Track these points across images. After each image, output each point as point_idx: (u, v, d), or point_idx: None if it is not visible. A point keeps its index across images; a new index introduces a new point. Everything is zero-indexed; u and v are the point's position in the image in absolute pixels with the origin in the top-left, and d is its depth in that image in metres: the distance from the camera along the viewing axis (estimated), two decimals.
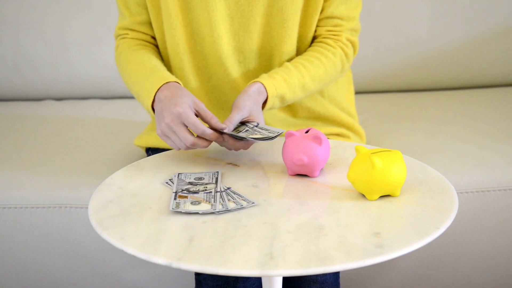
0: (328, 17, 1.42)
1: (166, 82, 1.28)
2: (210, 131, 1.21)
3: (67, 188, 1.57)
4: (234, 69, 1.41)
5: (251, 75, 1.42)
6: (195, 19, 1.38)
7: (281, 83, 1.34)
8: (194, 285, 1.46)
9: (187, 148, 1.23)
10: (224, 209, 1.08)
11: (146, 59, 1.37)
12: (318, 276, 1.31)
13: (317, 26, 1.43)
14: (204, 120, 1.24)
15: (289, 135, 1.19)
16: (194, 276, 1.39)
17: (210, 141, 1.23)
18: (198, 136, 1.22)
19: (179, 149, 1.24)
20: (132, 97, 2.09)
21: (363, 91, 2.08)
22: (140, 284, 1.64)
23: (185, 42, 1.40)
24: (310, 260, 0.94)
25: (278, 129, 1.24)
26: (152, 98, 1.27)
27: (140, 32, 1.44)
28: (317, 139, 1.17)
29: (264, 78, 1.33)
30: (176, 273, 1.62)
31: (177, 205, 1.09)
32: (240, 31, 1.39)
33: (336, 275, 1.33)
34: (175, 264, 0.95)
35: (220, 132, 1.23)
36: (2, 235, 1.59)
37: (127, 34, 1.44)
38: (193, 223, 1.04)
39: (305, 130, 1.20)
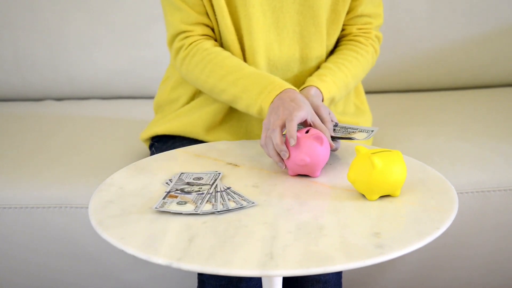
0: (358, 16, 1.45)
1: (287, 88, 1.28)
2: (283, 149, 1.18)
3: (67, 188, 1.57)
4: (262, 68, 1.41)
5: (278, 75, 1.42)
6: (235, 11, 1.39)
7: (332, 85, 1.37)
8: (196, 285, 1.47)
9: (276, 152, 1.20)
10: (225, 208, 1.08)
11: (241, 63, 1.36)
12: (321, 275, 1.31)
13: (347, 25, 1.47)
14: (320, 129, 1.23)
15: None
16: (196, 275, 1.39)
17: (282, 162, 1.20)
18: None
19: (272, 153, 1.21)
20: (132, 97, 2.09)
21: None
22: (140, 284, 1.64)
23: (231, 33, 1.40)
24: (310, 260, 0.94)
25: (368, 127, 1.27)
26: (271, 99, 1.27)
27: (204, 25, 1.41)
28: (319, 139, 1.17)
29: (316, 82, 1.35)
30: (176, 273, 1.62)
31: (163, 204, 1.09)
32: (271, 27, 1.40)
33: (338, 274, 1.33)
34: (175, 264, 0.95)
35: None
36: (2, 235, 1.59)
37: (192, 31, 1.41)
38: (193, 223, 1.04)
39: (305, 130, 1.20)
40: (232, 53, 1.41)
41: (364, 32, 1.47)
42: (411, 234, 1.00)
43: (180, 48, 1.42)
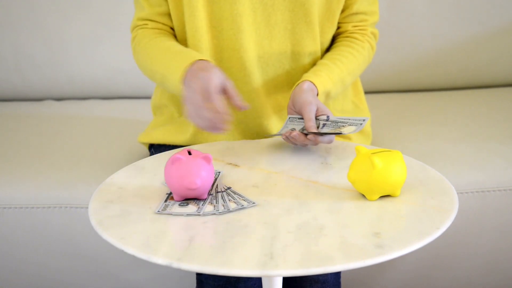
0: (353, 13, 1.46)
1: (198, 60, 1.27)
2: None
3: (67, 188, 1.57)
4: (251, 64, 1.41)
5: (269, 72, 1.42)
6: (217, 11, 1.38)
7: (327, 80, 1.36)
8: (195, 285, 1.47)
9: (212, 121, 1.19)
10: (226, 210, 1.08)
11: (171, 44, 1.37)
12: (320, 275, 1.31)
13: (343, 22, 1.47)
14: (229, 98, 1.24)
15: (175, 160, 1.11)
16: (195, 276, 1.39)
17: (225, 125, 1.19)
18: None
19: (207, 126, 1.20)
20: (132, 97, 2.09)
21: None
22: (140, 284, 1.64)
23: (205, 33, 1.40)
24: (310, 260, 0.94)
25: (358, 117, 1.26)
26: (183, 72, 1.26)
27: (160, 23, 1.42)
28: (207, 159, 1.11)
29: (310, 77, 1.35)
30: (176, 273, 1.62)
31: (165, 207, 1.09)
32: (261, 24, 1.40)
33: (337, 274, 1.33)
34: (175, 264, 0.95)
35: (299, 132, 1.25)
36: (2, 235, 1.59)
37: (146, 24, 1.42)
38: (193, 223, 1.04)
39: (187, 151, 1.13)
40: (201, 51, 1.40)
41: (360, 29, 1.47)
42: (411, 234, 1.00)
43: (133, 39, 1.43)
